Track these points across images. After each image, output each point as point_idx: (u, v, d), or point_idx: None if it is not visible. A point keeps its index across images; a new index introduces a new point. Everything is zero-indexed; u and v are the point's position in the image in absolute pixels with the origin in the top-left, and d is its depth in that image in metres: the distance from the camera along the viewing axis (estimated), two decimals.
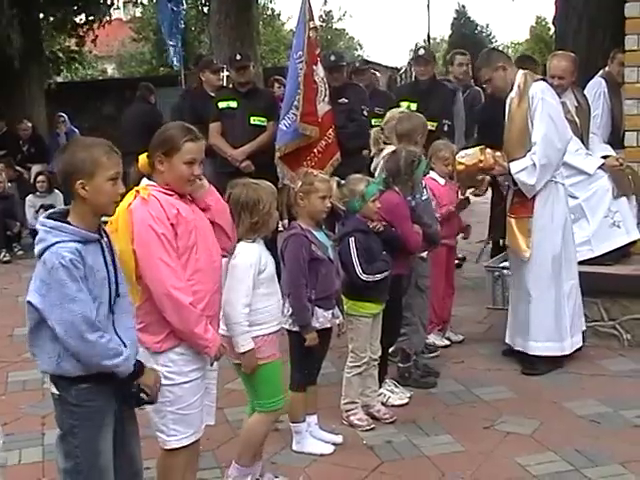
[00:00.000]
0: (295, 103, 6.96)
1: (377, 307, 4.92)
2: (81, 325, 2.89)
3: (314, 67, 6.93)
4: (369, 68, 9.56)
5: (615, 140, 6.98)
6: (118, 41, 33.60)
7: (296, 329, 4.44)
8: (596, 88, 7.10)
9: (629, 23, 6.49)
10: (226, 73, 9.25)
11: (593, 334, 6.21)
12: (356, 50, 47.09)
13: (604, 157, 6.49)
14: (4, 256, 10.79)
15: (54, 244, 2.92)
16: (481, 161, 5.78)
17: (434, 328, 6.24)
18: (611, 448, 4.47)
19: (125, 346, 3.06)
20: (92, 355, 2.95)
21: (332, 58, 7.66)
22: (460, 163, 5.92)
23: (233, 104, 7.68)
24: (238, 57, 7.82)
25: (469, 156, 5.89)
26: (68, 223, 2.99)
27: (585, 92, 6.89)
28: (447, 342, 6.31)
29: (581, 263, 6.18)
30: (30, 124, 13.79)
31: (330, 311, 4.50)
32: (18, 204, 11.31)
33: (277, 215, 4.10)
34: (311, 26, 7.01)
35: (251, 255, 3.91)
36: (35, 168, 12.74)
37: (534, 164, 5.51)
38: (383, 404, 5.15)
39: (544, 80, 5.83)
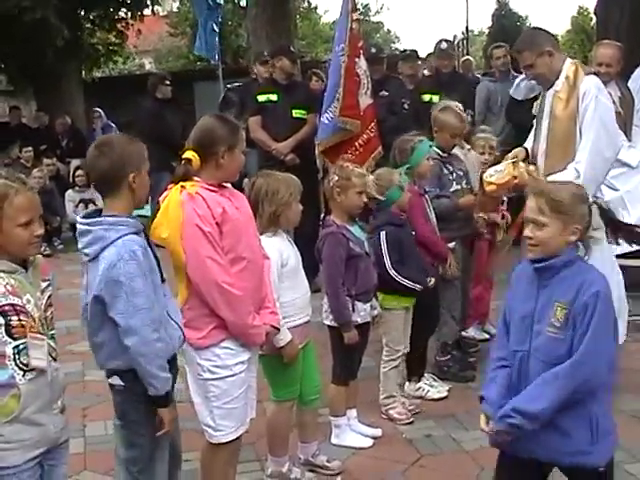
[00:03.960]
0: (337, 96, 6.92)
1: (410, 300, 4.93)
2: (144, 319, 2.94)
3: (357, 60, 6.86)
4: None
5: None
6: (155, 36, 33.79)
7: (336, 324, 4.45)
8: (639, 80, 6.98)
9: None
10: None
11: (634, 327, 6.14)
12: (393, 43, 46.92)
13: None
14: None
15: (118, 239, 2.95)
16: (515, 177, 4.82)
17: (473, 322, 6.21)
18: None
19: (179, 326, 3.17)
20: (144, 353, 2.97)
21: (372, 50, 7.64)
22: (490, 183, 4.94)
23: (273, 97, 7.70)
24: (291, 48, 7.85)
25: (499, 173, 4.92)
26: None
27: (628, 83, 6.79)
28: (486, 335, 6.28)
29: (622, 256, 6.11)
30: (69, 119, 13.93)
31: (369, 304, 4.53)
32: (57, 198, 11.41)
33: (299, 209, 4.06)
34: (354, 18, 6.94)
35: (271, 250, 3.88)
36: (74, 163, 12.84)
37: (578, 176, 4.62)
38: (422, 397, 5.16)
39: (596, 74, 5.14)
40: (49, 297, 2.84)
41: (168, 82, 10.25)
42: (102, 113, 14.29)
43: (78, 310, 3.16)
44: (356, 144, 7.06)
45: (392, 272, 4.74)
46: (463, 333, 5.99)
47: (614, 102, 6.24)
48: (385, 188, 4.80)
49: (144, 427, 3.11)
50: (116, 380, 3.11)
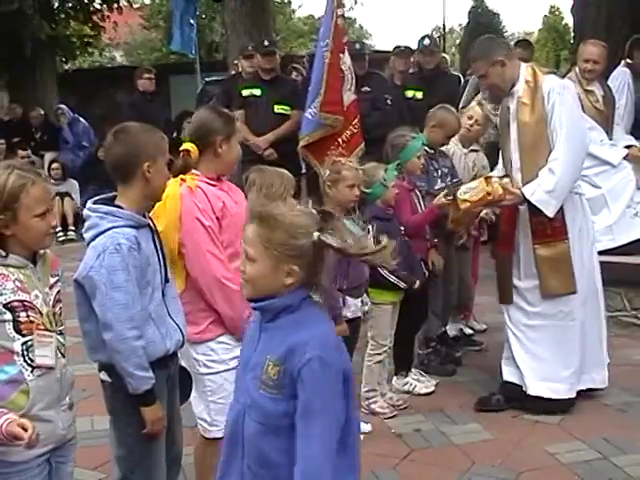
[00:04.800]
0: (321, 91, 6.91)
1: (397, 295, 4.95)
2: (120, 315, 2.88)
3: (341, 55, 6.79)
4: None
5: (638, 131, 6.97)
6: (126, 28, 33.50)
7: None
8: (620, 78, 7.06)
9: None
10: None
11: (616, 324, 6.22)
12: (366, 39, 46.87)
13: (627, 147, 6.50)
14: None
15: (109, 229, 2.93)
16: (489, 193, 4.66)
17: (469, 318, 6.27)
18: (639, 436, 4.50)
19: (180, 328, 3.13)
20: (119, 350, 2.92)
21: (357, 46, 7.64)
22: (464, 201, 4.78)
23: (257, 92, 7.71)
24: (265, 43, 7.82)
25: (473, 190, 4.75)
26: (119, 207, 3.01)
27: (609, 82, 6.87)
28: (470, 331, 6.33)
29: (603, 253, 6.19)
30: (42, 111, 13.77)
31: (360, 299, 4.54)
32: None
33: (293, 204, 4.06)
34: (339, 14, 6.91)
35: None
36: (48, 156, 12.74)
37: (554, 176, 4.58)
38: (409, 392, 5.19)
39: (555, 73, 5.21)
40: (58, 292, 2.81)
41: (151, 75, 10.20)
42: (66, 109, 13.87)
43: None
44: (339, 140, 7.01)
45: (379, 267, 4.76)
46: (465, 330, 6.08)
47: (598, 100, 6.35)
48: (369, 183, 4.81)
49: (131, 426, 3.05)
50: (104, 375, 3.07)
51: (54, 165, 11.55)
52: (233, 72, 9.76)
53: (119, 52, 36.22)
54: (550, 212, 4.62)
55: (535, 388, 4.85)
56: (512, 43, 8.44)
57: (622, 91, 6.98)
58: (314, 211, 2.34)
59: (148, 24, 29.87)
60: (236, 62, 9.30)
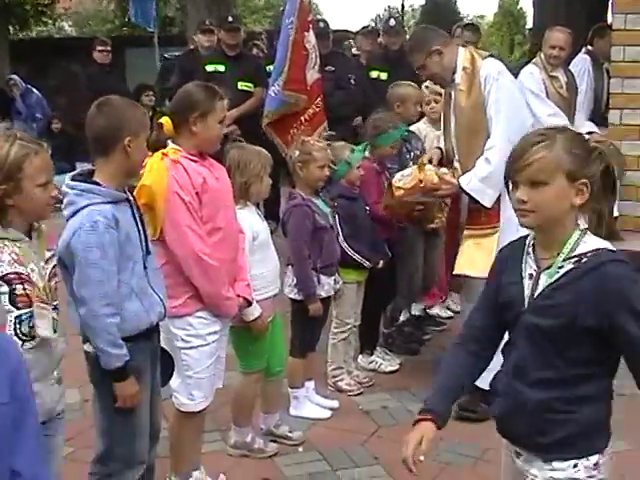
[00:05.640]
0: (284, 69, 6.90)
1: (362, 274, 5.00)
2: (94, 292, 2.89)
3: (305, 34, 6.80)
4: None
5: (596, 117, 7.09)
6: None
7: (300, 298, 4.50)
8: (580, 65, 7.14)
9: (618, 2, 6.58)
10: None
11: None
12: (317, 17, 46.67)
13: (588, 134, 6.60)
14: None
15: (85, 206, 2.92)
16: (421, 181, 4.57)
17: (437, 300, 6.31)
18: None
19: (162, 300, 3.14)
20: (92, 326, 2.93)
21: (321, 25, 7.64)
22: (398, 188, 4.70)
23: (221, 68, 7.66)
24: (230, 19, 7.80)
25: (406, 177, 4.68)
26: (97, 184, 2.99)
27: (570, 68, 6.97)
28: (450, 313, 6.36)
29: None
30: None
31: (332, 278, 4.59)
32: None
33: (269, 182, 4.10)
34: None
35: (242, 222, 3.86)
36: (0, 126, 12.46)
37: (487, 158, 4.45)
38: (375, 370, 5.27)
39: (493, 56, 4.91)
40: (54, 267, 2.80)
41: (107, 47, 10.07)
42: (18, 80, 13.53)
43: None
44: (301, 118, 7.02)
45: (344, 245, 4.81)
46: (428, 311, 6.13)
47: (562, 86, 6.44)
48: (334, 162, 4.83)
49: (110, 399, 3.05)
50: (87, 347, 3.06)
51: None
52: (192, 47, 9.67)
53: (68, 22, 35.55)
54: (487, 202, 4.49)
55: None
56: (461, 26, 8.53)
57: (582, 78, 7.05)
58: None
59: None
60: (194, 37, 9.20)
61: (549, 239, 2.29)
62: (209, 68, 7.69)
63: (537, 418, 2.27)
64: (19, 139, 2.65)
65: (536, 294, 2.28)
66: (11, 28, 17.93)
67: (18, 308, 2.62)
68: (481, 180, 4.47)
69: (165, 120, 3.48)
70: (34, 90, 13.59)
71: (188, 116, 3.45)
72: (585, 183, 2.21)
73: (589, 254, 2.21)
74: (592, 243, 2.24)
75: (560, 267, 2.24)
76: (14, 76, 13.84)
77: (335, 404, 4.77)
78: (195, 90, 3.56)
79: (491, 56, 4.83)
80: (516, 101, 4.64)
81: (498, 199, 4.49)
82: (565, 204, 2.23)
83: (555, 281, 2.25)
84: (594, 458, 2.27)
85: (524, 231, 2.43)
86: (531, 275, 2.31)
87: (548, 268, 2.27)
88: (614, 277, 2.18)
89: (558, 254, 2.25)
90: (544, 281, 2.27)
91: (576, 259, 2.23)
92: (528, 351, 2.29)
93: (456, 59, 4.66)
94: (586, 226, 2.29)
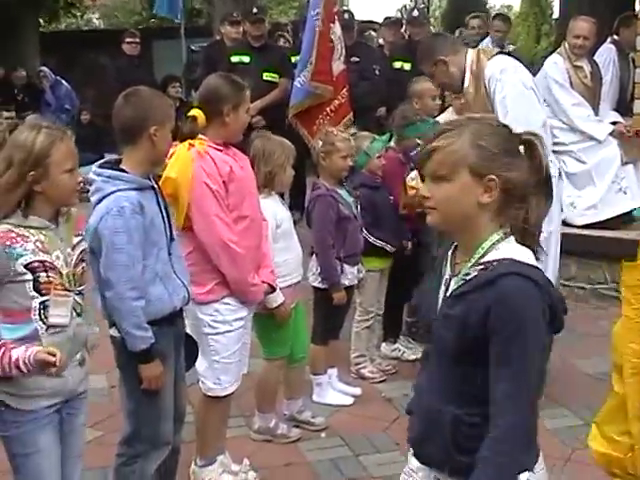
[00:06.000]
0: (311, 60, 6.94)
1: (385, 262, 5.05)
2: (120, 275, 2.97)
3: (331, 25, 6.84)
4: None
5: (622, 107, 7.08)
6: None
7: (324, 286, 4.56)
8: (606, 55, 7.14)
9: None
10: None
11: (596, 296, 6.38)
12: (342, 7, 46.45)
13: (613, 123, 6.61)
14: None
15: (112, 192, 3.00)
16: None
17: None
18: None
19: (185, 286, 3.21)
20: (118, 308, 3.02)
21: (346, 16, 7.67)
22: (412, 187, 4.73)
23: (246, 59, 7.72)
24: (255, 10, 7.82)
25: (418, 177, 4.81)
26: (123, 171, 3.08)
27: (595, 58, 6.96)
28: None
29: (587, 227, 6.37)
30: (24, 72, 13.64)
31: (356, 267, 4.64)
32: None
33: (291, 173, 4.16)
34: None
35: (266, 211, 3.93)
36: (30, 118, 12.58)
37: None
38: (398, 359, 5.31)
39: (503, 53, 4.92)
40: (82, 252, 2.87)
41: (136, 39, 10.17)
42: (48, 72, 13.77)
43: None
44: (327, 109, 7.07)
45: (365, 232, 4.85)
46: None
47: (586, 76, 6.44)
48: (355, 152, 4.87)
49: (136, 381, 3.13)
50: (113, 331, 3.14)
51: None
52: (218, 38, 9.74)
53: (95, 15, 35.75)
54: None
55: None
56: (492, 16, 8.54)
57: (607, 68, 7.05)
58: None
59: None
60: (221, 28, 9.26)
61: (463, 242, 2.07)
62: (234, 59, 7.75)
63: (453, 434, 2.02)
64: (45, 127, 2.72)
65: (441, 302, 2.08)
66: (41, 20, 18.06)
67: (42, 294, 2.70)
68: None
69: (198, 113, 3.53)
70: (63, 82, 13.77)
71: (222, 108, 3.51)
72: (493, 179, 1.97)
73: (495, 263, 1.97)
74: (504, 251, 1.99)
75: (467, 274, 2.01)
76: (44, 68, 14.02)
77: (358, 391, 4.83)
78: (222, 82, 3.61)
79: (501, 53, 4.78)
80: (523, 98, 4.51)
81: None
82: (469, 202, 1.98)
83: (458, 288, 2.02)
84: (523, 477, 1.96)
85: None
86: (447, 280, 2.09)
87: (459, 274, 2.05)
88: (503, 293, 1.91)
89: (470, 259, 2.03)
90: (452, 288, 2.05)
91: (482, 267, 1.98)
92: (439, 364, 2.09)
93: (465, 64, 4.62)
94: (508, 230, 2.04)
